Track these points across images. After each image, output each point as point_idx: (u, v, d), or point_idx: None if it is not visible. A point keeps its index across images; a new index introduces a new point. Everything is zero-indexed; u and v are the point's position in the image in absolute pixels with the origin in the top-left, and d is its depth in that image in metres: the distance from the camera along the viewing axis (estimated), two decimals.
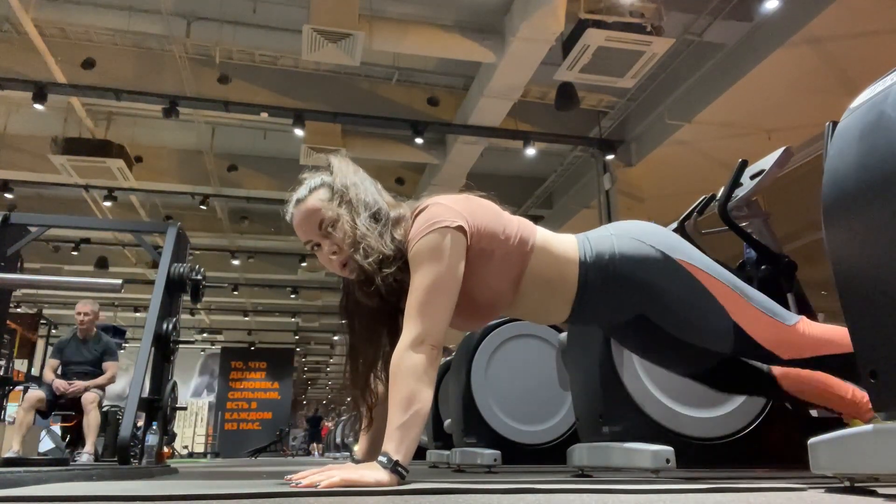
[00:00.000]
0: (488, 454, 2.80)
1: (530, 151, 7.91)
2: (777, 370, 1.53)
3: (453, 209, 1.36)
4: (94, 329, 4.79)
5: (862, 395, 1.49)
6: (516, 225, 1.44)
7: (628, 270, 1.40)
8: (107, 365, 4.71)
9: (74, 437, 4.79)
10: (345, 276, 1.46)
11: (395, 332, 1.42)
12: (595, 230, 1.52)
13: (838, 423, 1.62)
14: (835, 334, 1.38)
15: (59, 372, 4.66)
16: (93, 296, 5.50)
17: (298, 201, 1.45)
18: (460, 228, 1.34)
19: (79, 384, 4.47)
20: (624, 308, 1.44)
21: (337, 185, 1.44)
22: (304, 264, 11.93)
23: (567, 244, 1.46)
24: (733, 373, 1.56)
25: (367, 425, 1.51)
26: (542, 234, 1.46)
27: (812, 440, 1.06)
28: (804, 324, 1.40)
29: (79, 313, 4.71)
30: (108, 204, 9.35)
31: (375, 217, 1.41)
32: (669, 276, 1.39)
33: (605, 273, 1.41)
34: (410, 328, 1.28)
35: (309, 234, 1.45)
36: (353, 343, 1.50)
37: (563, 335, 2.60)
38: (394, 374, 1.27)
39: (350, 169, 1.49)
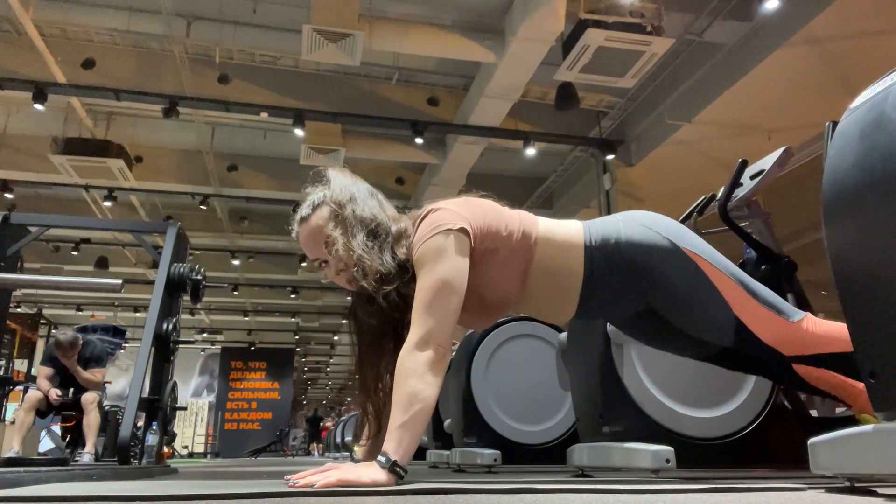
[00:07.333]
0: (488, 454, 2.79)
1: (530, 151, 7.91)
2: None
3: (455, 212, 1.36)
4: (79, 343, 4.68)
5: None
6: (517, 220, 1.43)
7: (635, 256, 1.39)
8: (92, 372, 4.67)
9: (74, 437, 4.78)
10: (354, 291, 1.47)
11: (400, 346, 1.42)
12: (603, 217, 1.51)
13: (839, 422, 1.61)
14: (841, 332, 1.36)
15: (55, 383, 4.61)
16: (93, 296, 5.48)
17: (302, 220, 1.46)
18: (463, 230, 1.34)
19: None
20: (629, 296, 1.42)
21: (332, 204, 1.44)
22: (304, 264, 11.92)
23: (572, 230, 1.45)
24: (746, 353, 1.53)
25: (374, 433, 1.50)
26: (544, 225, 1.45)
27: (812, 440, 1.06)
28: (809, 321, 1.37)
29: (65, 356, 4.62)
30: (108, 204, 9.35)
31: (374, 233, 1.41)
32: (675, 265, 1.38)
33: (611, 258, 1.40)
34: (416, 328, 1.29)
35: (315, 253, 1.46)
36: (360, 352, 1.51)
37: (563, 335, 2.60)
38: (397, 374, 1.27)
39: (348, 182, 1.48)
